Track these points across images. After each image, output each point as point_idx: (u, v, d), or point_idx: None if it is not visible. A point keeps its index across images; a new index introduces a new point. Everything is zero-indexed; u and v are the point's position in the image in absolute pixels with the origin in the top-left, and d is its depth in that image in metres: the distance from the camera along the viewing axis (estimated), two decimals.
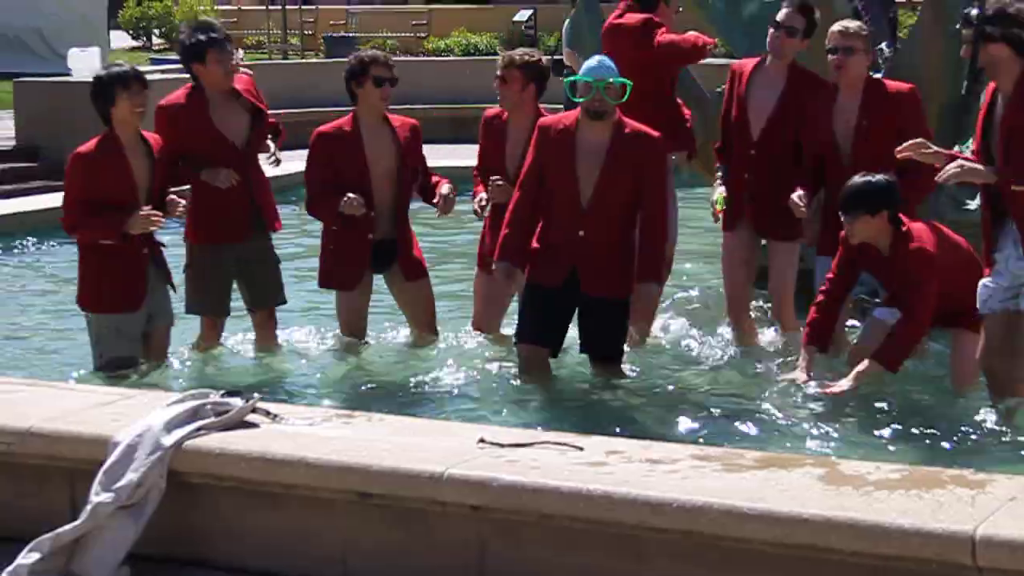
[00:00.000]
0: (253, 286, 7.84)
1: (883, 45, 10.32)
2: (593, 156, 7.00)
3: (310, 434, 5.06)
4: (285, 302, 8.00)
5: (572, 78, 7.12)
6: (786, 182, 7.51)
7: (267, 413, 5.22)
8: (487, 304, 8.05)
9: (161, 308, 7.46)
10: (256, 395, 5.33)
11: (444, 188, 7.74)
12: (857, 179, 6.73)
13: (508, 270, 7.19)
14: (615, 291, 7.13)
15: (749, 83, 7.83)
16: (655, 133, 7.08)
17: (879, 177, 6.69)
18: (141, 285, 7.29)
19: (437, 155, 9.64)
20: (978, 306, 6.51)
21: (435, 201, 7.75)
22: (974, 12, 6.40)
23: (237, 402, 5.18)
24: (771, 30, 7.75)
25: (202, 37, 7.59)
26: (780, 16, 7.73)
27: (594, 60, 7.06)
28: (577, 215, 7.03)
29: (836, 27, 7.32)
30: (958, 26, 6.47)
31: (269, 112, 7.85)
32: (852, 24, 7.38)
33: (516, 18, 28.26)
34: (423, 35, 29.51)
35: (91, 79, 7.30)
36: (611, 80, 6.94)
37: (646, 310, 7.27)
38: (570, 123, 7.06)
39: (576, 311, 7.25)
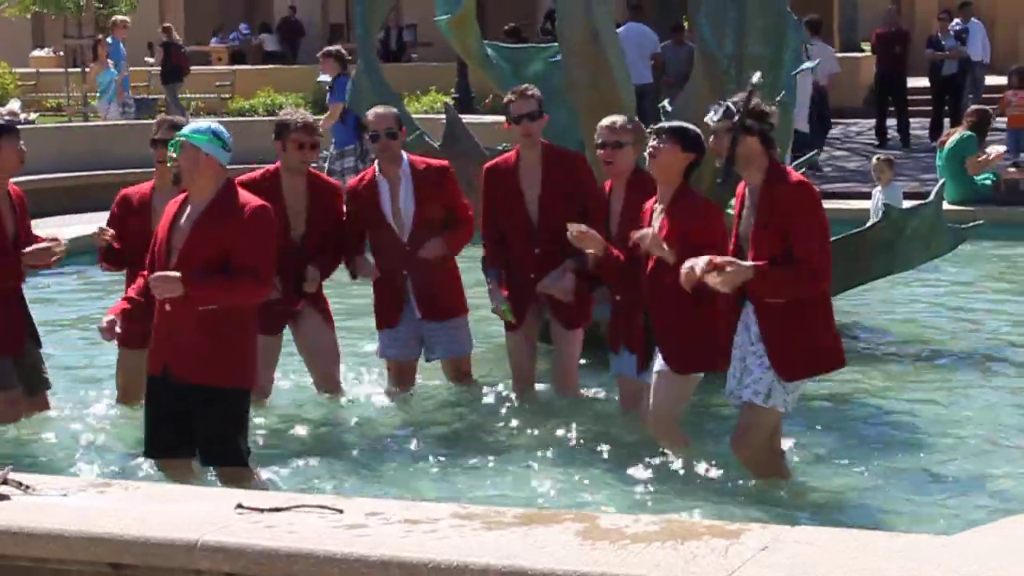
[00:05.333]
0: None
1: (665, 102, 10.61)
2: (183, 224, 6.40)
3: (61, 505, 4.91)
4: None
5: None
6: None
7: (19, 484, 5.05)
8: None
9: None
10: (9, 466, 5.17)
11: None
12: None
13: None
14: (206, 376, 6.30)
15: (516, 176, 7.84)
16: (256, 201, 6.39)
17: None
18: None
19: None
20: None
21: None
22: (731, 106, 6.29)
23: None
24: (516, 124, 7.78)
25: None
26: (525, 108, 7.77)
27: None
28: None
29: (605, 122, 7.38)
30: (711, 118, 6.36)
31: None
32: (619, 119, 7.41)
33: (321, 78, 28.06)
34: (227, 96, 29.26)
35: None
36: (184, 137, 6.35)
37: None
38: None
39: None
